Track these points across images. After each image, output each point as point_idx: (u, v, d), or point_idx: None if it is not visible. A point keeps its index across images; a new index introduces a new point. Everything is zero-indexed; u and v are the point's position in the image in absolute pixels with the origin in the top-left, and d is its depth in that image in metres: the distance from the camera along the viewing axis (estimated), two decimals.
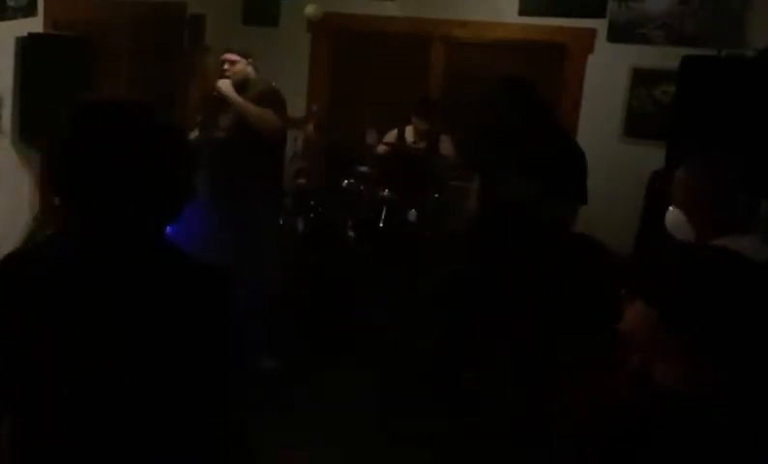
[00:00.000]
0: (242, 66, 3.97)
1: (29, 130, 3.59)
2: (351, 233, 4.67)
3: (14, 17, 3.50)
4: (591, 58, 4.76)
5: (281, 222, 4.51)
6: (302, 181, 5.01)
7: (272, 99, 3.88)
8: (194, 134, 4.03)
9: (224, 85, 3.88)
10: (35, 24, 3.61)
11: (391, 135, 4.91)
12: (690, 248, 1.78)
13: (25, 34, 3.53)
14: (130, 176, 1.28)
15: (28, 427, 1.33)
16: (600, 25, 4.69)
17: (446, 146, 4.75)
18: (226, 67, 3.96)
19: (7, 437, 1.35)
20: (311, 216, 4.72)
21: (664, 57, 4.35)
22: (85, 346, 1.28)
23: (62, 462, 1.33)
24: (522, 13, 4.89)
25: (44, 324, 1.28)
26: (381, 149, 4.86)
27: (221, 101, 3.92)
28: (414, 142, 4.79)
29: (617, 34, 4.64)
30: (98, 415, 1.30)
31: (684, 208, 2.14)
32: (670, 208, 2.17)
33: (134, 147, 1.28)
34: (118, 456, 1.32)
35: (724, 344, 1.32)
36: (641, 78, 4.62)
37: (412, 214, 4.52)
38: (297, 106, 5.14)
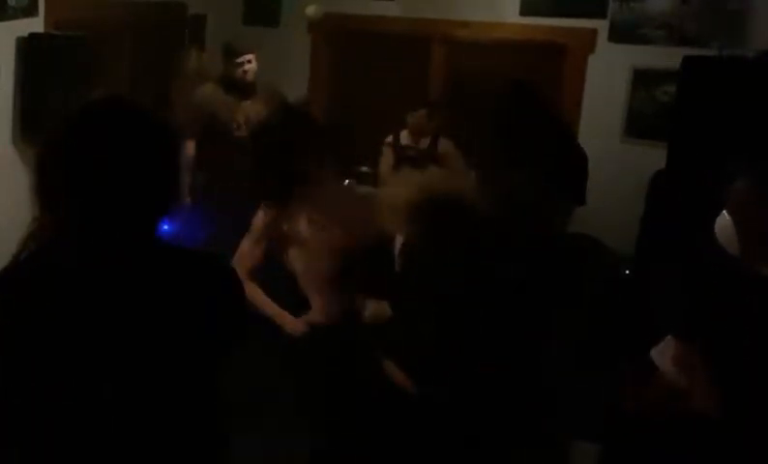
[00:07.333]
0: (255, 65, 3.91)
1: (29, 130, 3.59)
2: None
3: (14, 17, 3.50)
4: (592, 58, 4.76)
5: None
6: None
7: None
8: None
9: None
10: (36, 24, 3.61)
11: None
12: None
13: (26, 34, 3.53)
14: (125, 177, 1.29)
15: (36, 434, 1.32)
16: (601, 25, 4.69)
17: (445, 146, 4.73)
18: (247, 67, 3.87)
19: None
20: None
21: (665, 57, 4.34)
22: (91, 349, 1.28)
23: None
24: (523, 13, 4.88)
25: (48, 331, 1.28)
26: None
27: (240, 95, 3.88)
28: (413, 143, 4.77)
29: (618, 34, 4.64)
30: (107, 417, 1.30)
31: (736, 218, 2.02)
32: (723, 212, 2.10)
33: (130, 147, 1.29)
34: (124, 456, 1.32)
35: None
36: (642, 78, 4.61)
37: None
38: None
